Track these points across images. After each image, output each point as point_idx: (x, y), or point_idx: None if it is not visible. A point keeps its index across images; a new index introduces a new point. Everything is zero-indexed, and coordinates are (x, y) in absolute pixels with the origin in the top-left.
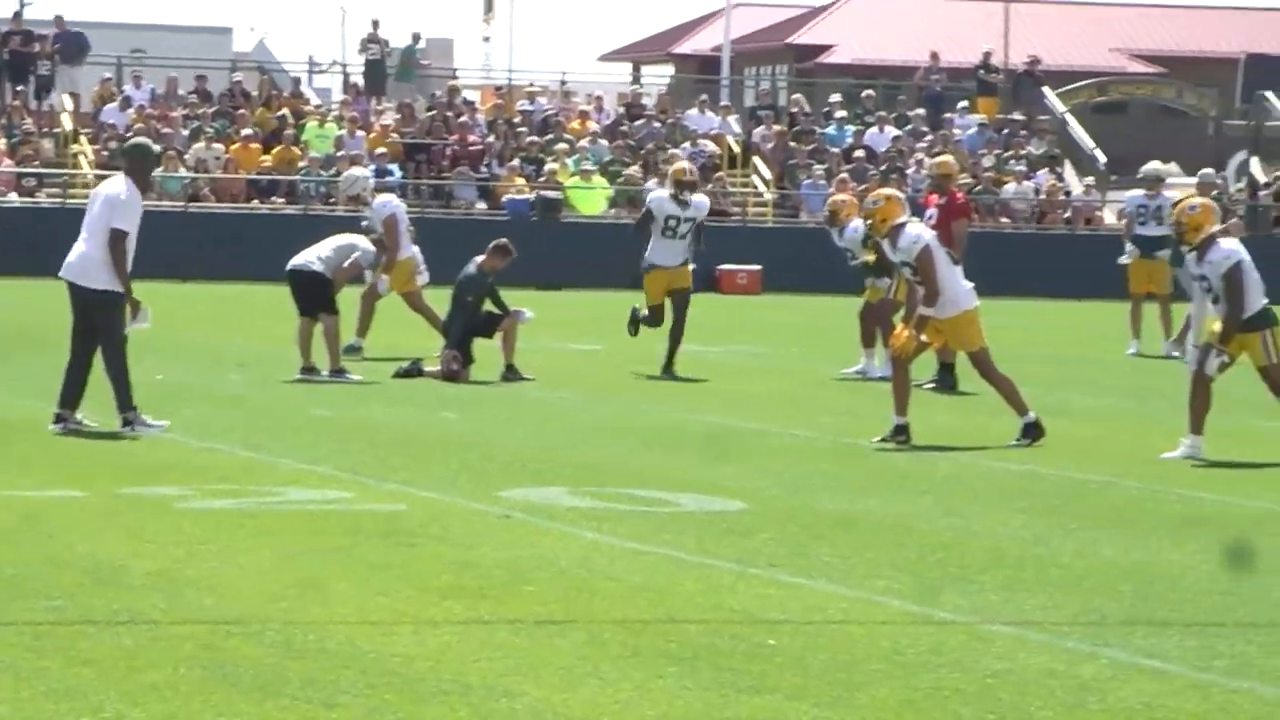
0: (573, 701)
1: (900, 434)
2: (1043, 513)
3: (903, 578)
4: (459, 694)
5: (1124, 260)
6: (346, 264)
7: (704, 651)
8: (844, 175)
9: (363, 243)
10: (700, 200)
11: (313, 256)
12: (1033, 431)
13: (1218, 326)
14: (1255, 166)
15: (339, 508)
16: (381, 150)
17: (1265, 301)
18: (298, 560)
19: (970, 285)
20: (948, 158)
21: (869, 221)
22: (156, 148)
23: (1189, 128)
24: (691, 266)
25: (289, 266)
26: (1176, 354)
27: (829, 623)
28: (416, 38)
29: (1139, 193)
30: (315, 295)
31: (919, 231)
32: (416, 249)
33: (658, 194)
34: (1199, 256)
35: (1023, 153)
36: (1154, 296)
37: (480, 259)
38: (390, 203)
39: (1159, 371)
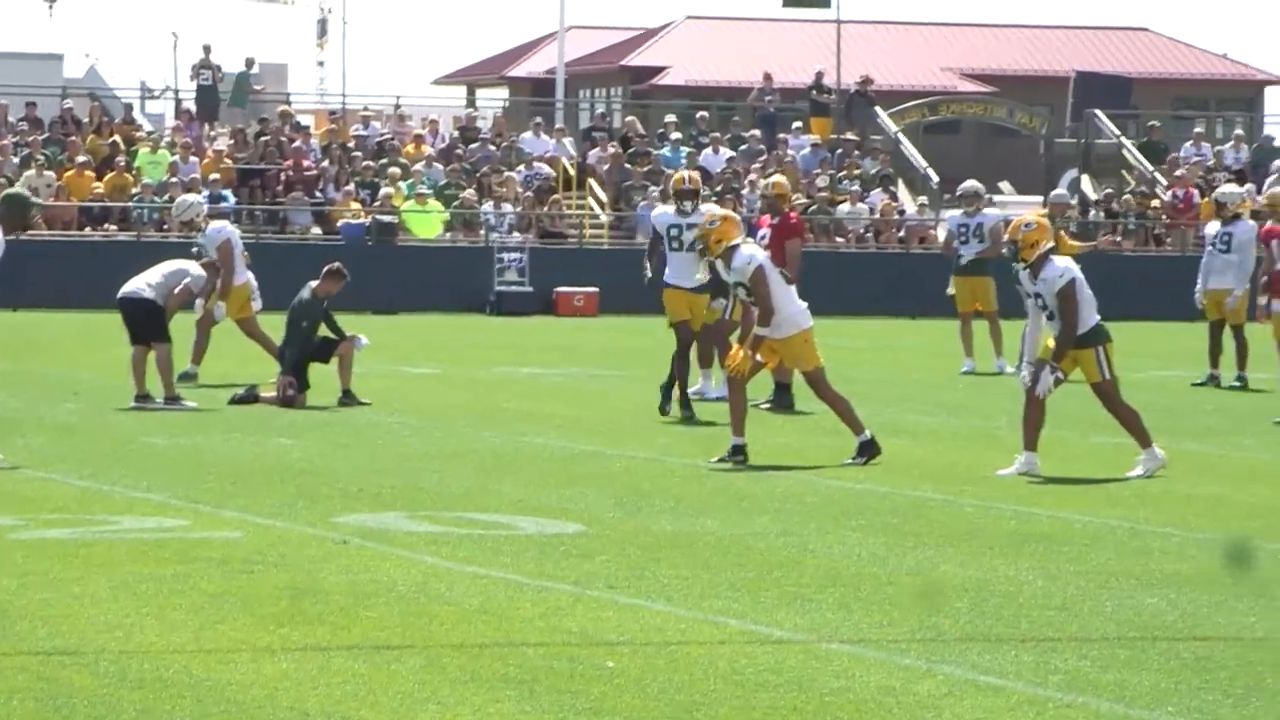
0: None
1: (738, 454)
2: (880, 531)
3: (741, 597)
4: None
5: (951, 291)
6: (177, 290)
7: (543, 674)
8: (668, 171)
9: (193, 268)
10: (706, 209)
11: (143, 284)
12: (868, 450)
13: (1052, 343)
14: (1086, 184)
15: (174, 536)
16: (215, 176)
17: (1098, 318)
18: (133, 589)
19: (804, 305)
20: (780, 178)
21: (703, 243)
22: (35, 199)
23: (1020, 146)
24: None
25: (120, 294)
26: (1010, 370)
27: (667, 644)
28: (250, 63)
29: (958, 212)
30: (147, 323)
31: (752, 252)
32: (251, 275)
33: (658, 210)
34: (1033, 274)
35: (856, 172)
36: (981, 314)
37: (314, 284)
38: (224, 228)
39: (993, 388)
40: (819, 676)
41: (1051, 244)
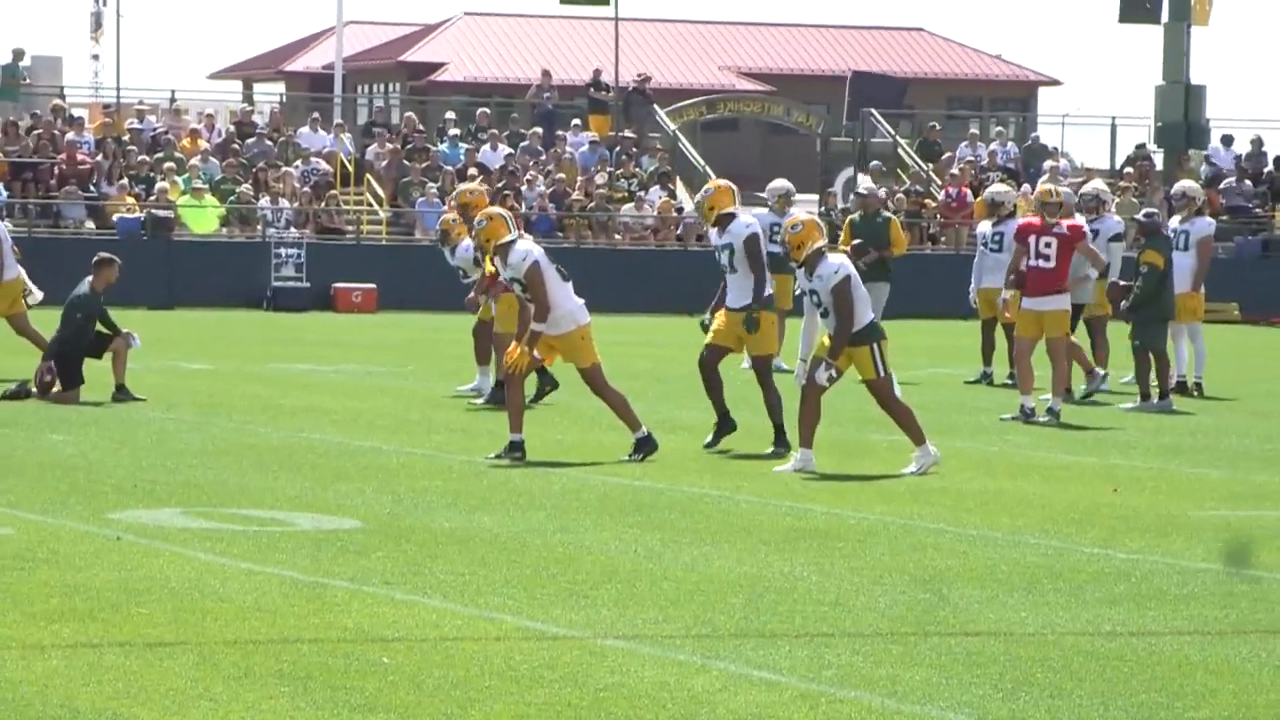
0: None
1: (515, 450)
2: (656, 527)
3: (517, 594)
4: (67, 719)
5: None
6: None
7: (317, 671)
8: (447, 168)
9: None
10: (738, 225)
11: None
12: (645, 446)
13: (828, 340)
14: (864, 182)
15: None
16: None
17: (873, 315)
18: None
19: (581, 301)
20: (469, 186)
21: (476, 242)
22: None
23: (798, 145)
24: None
25: None
26: (786, 368)
27: (443, 640)
28: (19, 54)
29: (766, 211)
30: None
31: (527, 248)
32: (21, 269)
33: None
34: (808, 272)
35: (634, 170)
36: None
37: (90, 279)
38: None
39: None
40: (594, 672)
41: (823, 242)
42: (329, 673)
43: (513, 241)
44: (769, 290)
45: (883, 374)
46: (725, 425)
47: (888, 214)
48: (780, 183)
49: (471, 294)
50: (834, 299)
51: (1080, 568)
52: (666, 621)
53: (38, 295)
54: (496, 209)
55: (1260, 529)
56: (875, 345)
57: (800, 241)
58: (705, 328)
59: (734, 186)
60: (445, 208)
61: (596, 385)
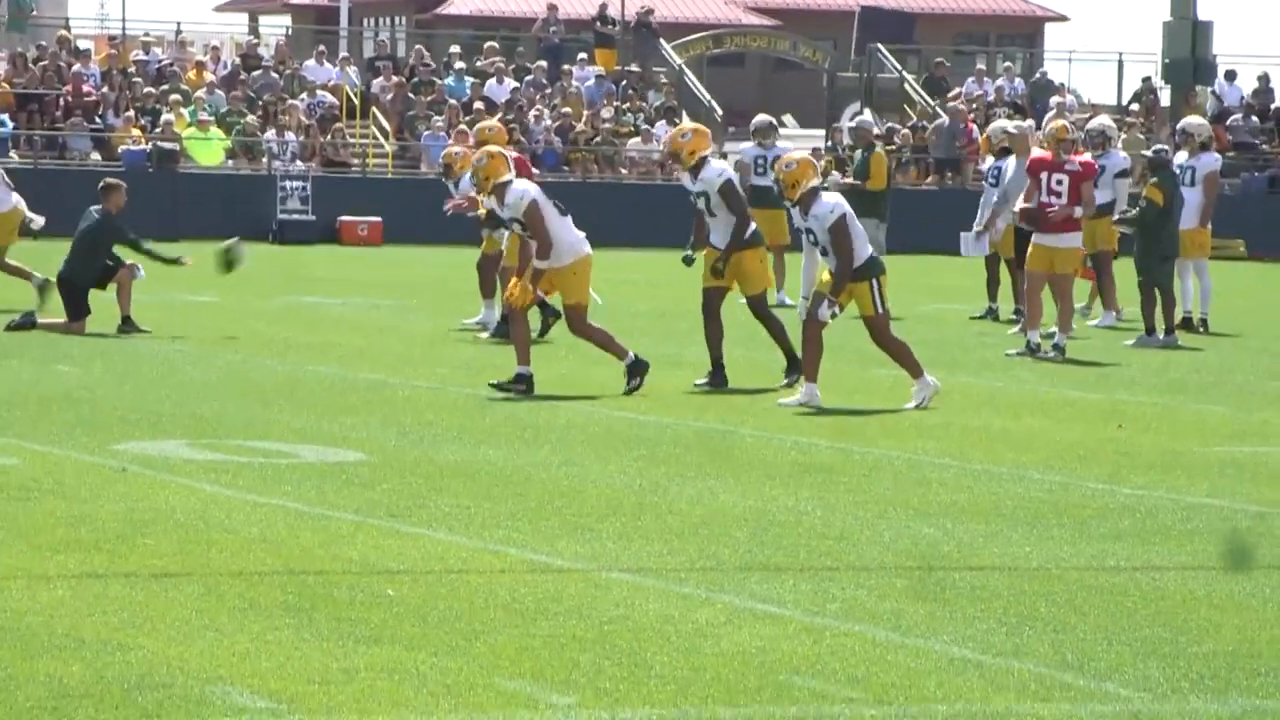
0: (188, 654)
1: (521, 382)
2: (661, 461)
3: (522, 526)
4: (72, 649)
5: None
6: None
7: (322, 602)
8: (462, 127)
9: None
10: (710, 172)
11: None
12: (638, 369)
13: (828, 276)
14: (869, 116)
15: None
16: None
17: (871, 250)
18: None
19: (582, 234)
20: (489, 124)
21: (475, 179)
22: None
23: (804, 80)
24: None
25: None
26: (790, 302)
27: (448, 572)
28: None
29: (751, 144)
30: None
31: (525, 188)
32: (18, 197)
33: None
34: (803, 211)
35: (640, 105)
36: (773, 247)
37: (99, 206)
38: None
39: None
40: (598, 605)
41: (818, 180)
42: (334, 604)
43: (509, 181)
44: (751, 229)
45: (881, 310)
46: (718, 377)
47: (875, 148)
48: (763, 117)
49: (452, 203)
50: (831, 237)
51: (1085, 503)
52: (671, 555)
53: (39, 221)
54: (496, 147)
55: (1261, 466)
56: (875, 281)
57: (795, 180)
58: (688, 262)
59: (707, 130)
60: (450, 140)
61: (576, 325)
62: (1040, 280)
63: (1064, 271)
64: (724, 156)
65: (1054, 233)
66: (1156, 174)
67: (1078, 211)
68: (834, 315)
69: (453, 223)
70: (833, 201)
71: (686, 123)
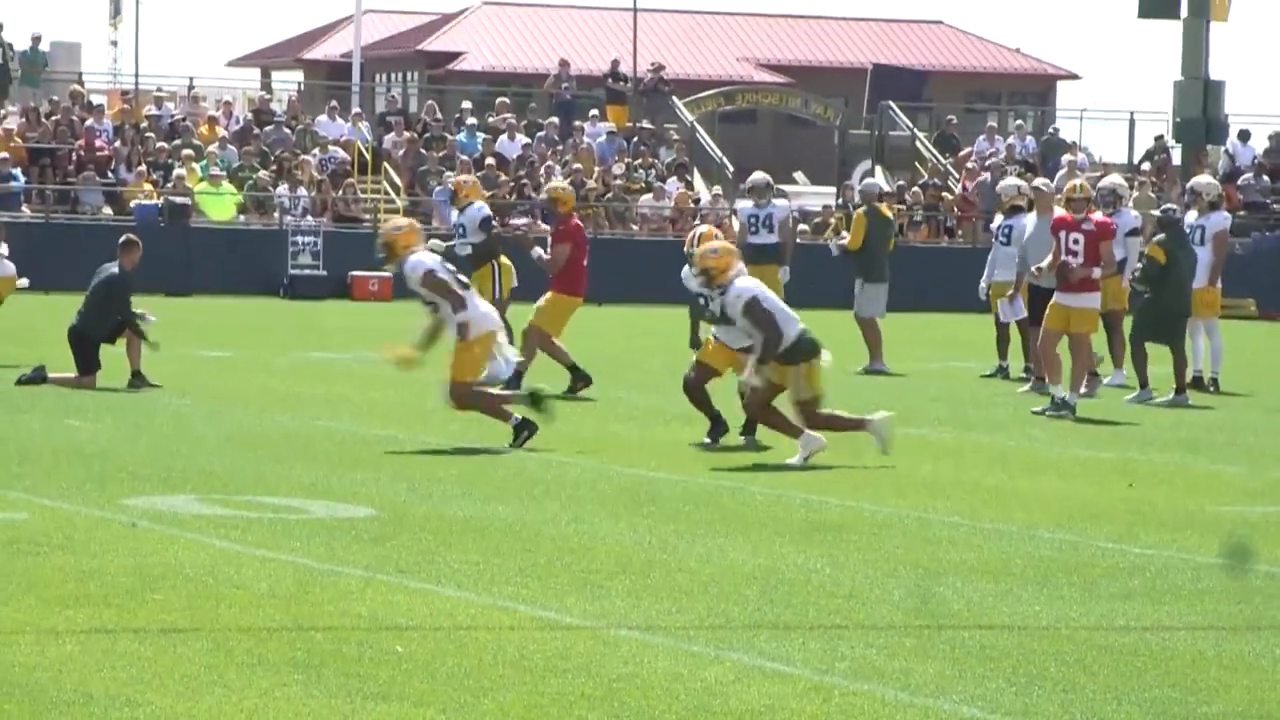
0: (197, 710)
1: (522, 431)
2: (670, 518)
3: (531, 583)
4: (81, 704)
5: None
6: None
7: (331, 658)
8: (464, 157)
9: None
10: (732, 294)
11: None
12: (522, 430)
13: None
14: (880, 176)
15: None
16: (4, 155)
17: (800, 328)
18: None
19: (490, 309)
20: (558, 185)
21: (380, 248)
22: None
23: (815, 137)
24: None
25: None
26: None
27: (457, 628)
28: (37, 40)
29: (748, 203)
30: None
31: (419, 258)
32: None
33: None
34: (722, 293)
35: (652, 161)
36: None
37: (120, 260)
38: None
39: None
40: (607, 662)
41: (740, 267)
42: (343, 660)
43: (410, 253)
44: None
45: (804, 397)
46: (719, 428)
47: (866, 208)
48: (759, 175)
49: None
50: (749, 322)
51: (1095, 562)
52: (680, 612)
53: (23, 282)
54: (401, 219)
55: (1274, 526)
56: (802, 365)
57: (721, 267)
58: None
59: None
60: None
61: (458, 399)
62: (1055, 338)
63: (1080, 331)
64: (734, 214)
65: (1072, 292)
66: (1164, 232)
67: (1096, 272)
68: (763, 381)
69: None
70: (741, 287)
71: (714, 241)
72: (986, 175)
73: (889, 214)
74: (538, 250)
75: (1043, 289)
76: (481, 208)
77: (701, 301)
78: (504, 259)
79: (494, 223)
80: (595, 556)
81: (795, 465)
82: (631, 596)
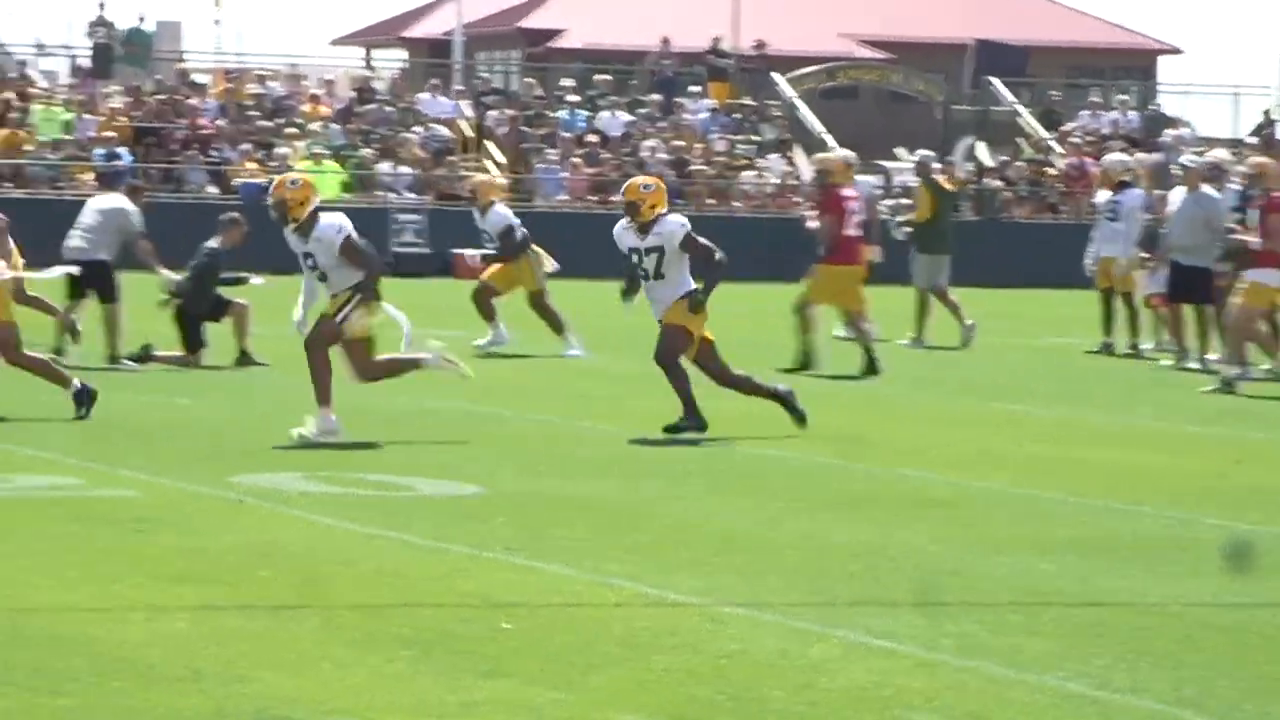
0: (306, 687)
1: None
2: (775, 495)
3: (637, 560)
4: (190, 680)
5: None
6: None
7: (439, 636)
8: (565, 134)
9: (127, 207)
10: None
11: (81, 240)
12: (82, 399)
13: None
14: (982, 151)
15: (69, 494)
16: (110, 134)
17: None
18: (27, 547)
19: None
20: (832, 155)
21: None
22: None
23: (917, 113)
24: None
25: (70, 253)
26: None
27: (564, 605)
28: (142, 20)
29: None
30: (94, 280)
31: (331, 220)
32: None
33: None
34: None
35: (755, 138)
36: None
37: (219, 238)
38: None
39: (891, 355)
40: (714, 640)
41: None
42: (451, 638)
43: (316, 213)
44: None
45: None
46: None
47: (924, 180)
48: (841, 153)
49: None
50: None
51: (1203, 539)
52: (786, 589)
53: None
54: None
55: None
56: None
57: (654, 203)
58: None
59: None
60: (565, 173)
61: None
62: (1257, 315)
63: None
64: None
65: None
66: None
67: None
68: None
69: (564, 255)
70: (677, 221)
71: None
72: (1161, 155)
73: (950, 185)
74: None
75: (1186, 266)
76: (504, 216)
77: (635, 259)
78: (534, 246)
79: (517, 231)
80: (700, 533)
81: (310, 436)
82: (737, 573)
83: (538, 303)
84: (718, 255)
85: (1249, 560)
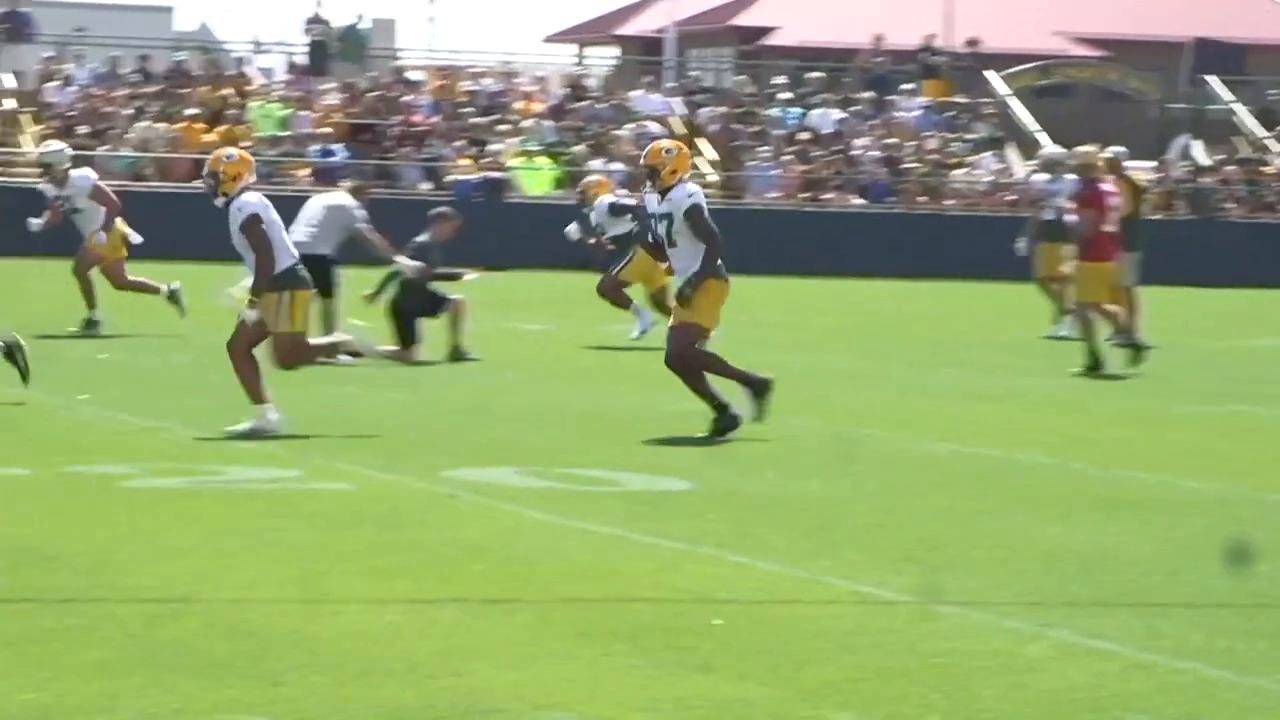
0: (521, 680)
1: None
2: (988, 494)
3: (848, 557)
4: (406, 673)
5: (1020, 247)
6: (347, 228)
7: (652, 630)
8: (777, 131)
9: (350, 203)
10: (679, 193)
11: (304, 235)
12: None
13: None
14: (1198, 150)
15: (285, 487)
16: (326, 130)
17: (290, 260)
18: (243, 539)
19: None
20: (1094, 149)
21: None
22: None
23: (1132, 111)
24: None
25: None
26: (1062, 333)
27: (776, 602)
28: (360, 18)
29: (1045, 177)
30: (316, 275)
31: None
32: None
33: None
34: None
35: (969, 137)
36: (1056, 278)
37: (430, 233)
38: (89, 175)
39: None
40: (928, 638)
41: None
42: (663, 632)
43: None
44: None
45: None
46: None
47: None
48: (1050, 149)
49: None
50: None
51: None
52: (999, 588)
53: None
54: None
55: None
56: (285, 294)
57: (675, 168)
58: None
59: (689, 151)
60: (777, 170)
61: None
62: None
63: None
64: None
65: None
66: None
67: None
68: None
69: (771, 251)
70: (693, 188)
71: (665, 140)
72: None
73: (1139, 182)
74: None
75: None
76: (604, 199)
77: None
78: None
79: (619, 205)
80: (911, 531)
81: (238, 433)
82: (949, 571)
83: (658, 298)
84: (715, 240)
85: (1248, 561)
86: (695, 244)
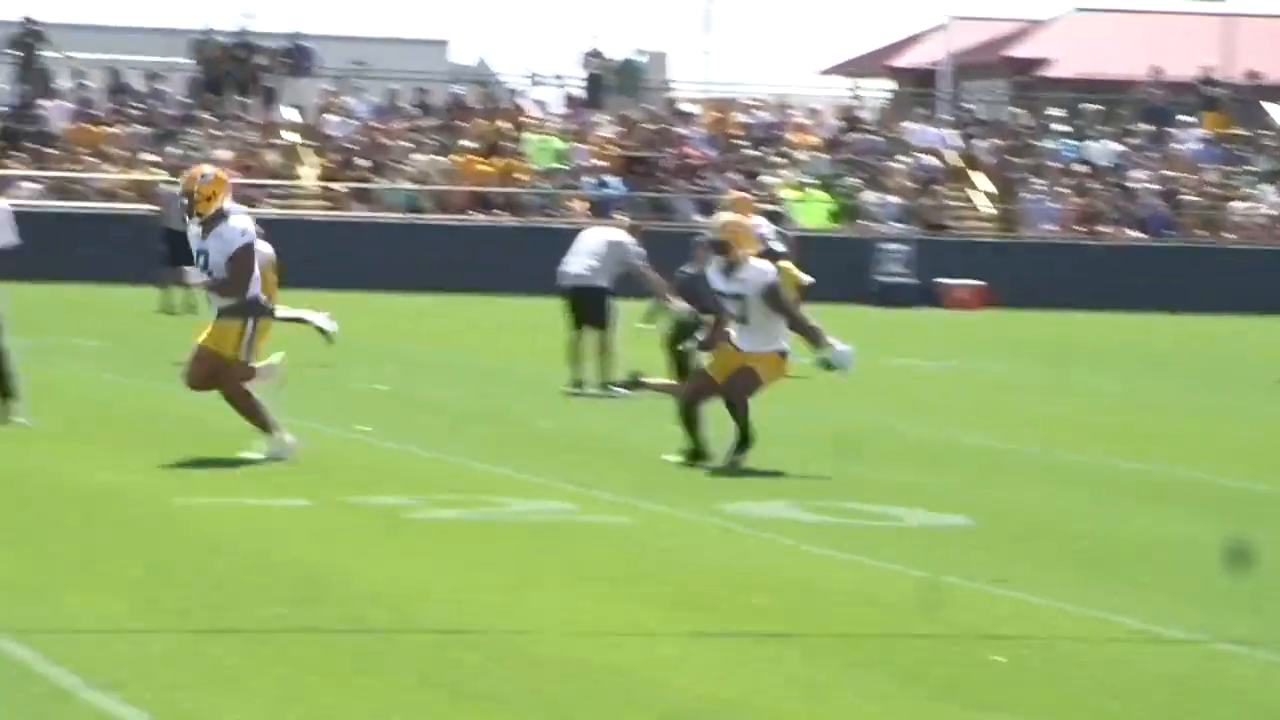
0: (799, 714)
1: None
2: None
3: (1131, 594)
4: (687, 707)
5: None
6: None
7: (930, 666)
8: (1053, 164)
9: (629, 240)
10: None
11: (584, 267)
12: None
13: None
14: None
15: (564, 519)
16: (603, 162)
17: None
18: (523, 570)
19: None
20: None
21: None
22: None
23: None
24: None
25: (570, 281)
26: None
27: (1056, 638)
28: (641, 52)
29: None
30: (593, 308)
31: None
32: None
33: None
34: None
35: (1248, 169)
36: None
37: (695, 262)
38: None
39: None
40: (1215, 679)
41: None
42: (943, 668)
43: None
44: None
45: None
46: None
47: None
48: None
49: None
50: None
51: None
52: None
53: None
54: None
55: None
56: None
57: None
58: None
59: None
60: (1055, 204)
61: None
62: None
63: None
64: None
65: None
66: None
67: None
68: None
69: (1051, 285)
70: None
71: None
72: None
73: None
74: None
75: None
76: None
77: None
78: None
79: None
80: (1194, 569)
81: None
82: (1234, 610)
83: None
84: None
85: (1246, 562)
86: (774, 320)
